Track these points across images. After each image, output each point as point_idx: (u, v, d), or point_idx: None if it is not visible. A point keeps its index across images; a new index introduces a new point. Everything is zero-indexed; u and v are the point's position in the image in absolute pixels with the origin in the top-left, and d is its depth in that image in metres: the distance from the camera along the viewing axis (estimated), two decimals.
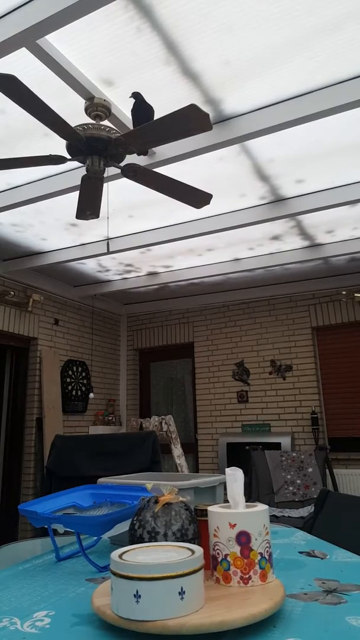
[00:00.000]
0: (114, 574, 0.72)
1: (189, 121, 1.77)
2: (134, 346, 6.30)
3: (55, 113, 1.82)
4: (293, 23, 1.89)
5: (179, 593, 0.68)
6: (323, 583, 0.88)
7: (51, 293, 5.18)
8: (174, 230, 3.76)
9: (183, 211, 3.48)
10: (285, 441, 4.88)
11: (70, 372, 5.30)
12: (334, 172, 2.99)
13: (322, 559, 1.07)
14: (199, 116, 1.74)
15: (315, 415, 4.94)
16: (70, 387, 5.25)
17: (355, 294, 4.72)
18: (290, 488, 4.25)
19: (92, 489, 1.37)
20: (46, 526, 1.17)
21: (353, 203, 3.19)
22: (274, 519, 3.72)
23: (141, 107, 2.08)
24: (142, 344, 6.25)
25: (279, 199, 3.29)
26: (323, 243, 4.16)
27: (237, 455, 5.05)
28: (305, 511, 3.87)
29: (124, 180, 2.83)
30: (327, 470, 4.32)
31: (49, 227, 3.79)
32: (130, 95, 2.16)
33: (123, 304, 6.26)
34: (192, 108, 1.73)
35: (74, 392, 5.29)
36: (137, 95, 2.10)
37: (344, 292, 4.90)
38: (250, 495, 4.28)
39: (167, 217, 3.62)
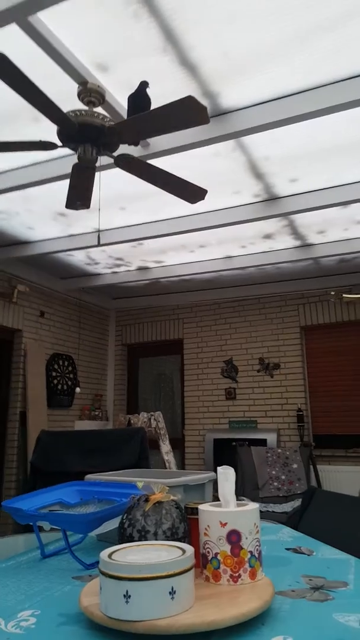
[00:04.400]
0: (103, 573, 0.69)
1: (186, 113, 1.74)
2: (123, 341, 6.25)
3: (47, 96, 1.77)
4: (293, 19, 1.87)
5: (170, 593, 0.67)
6: (310, 580, 0.88)
7: (37, 284, 5.09)
8: (166, 225, 3.72)
9: (176, 206, 3.44)
10: (271, 438, 4.90)
11: (56, 366, 5.24)
12: (328, 173, 2.98)
13: (308, 555, 1.07)
14: (197, 109, 1.71)
15: (301, 413, 4.97)
16: (55, 381, 5.19)
17: (344, 295, 4.75)
18: (275, 484, 4.27)
19: (79, 486, 1.34)
20: (31, 523, 1.13)
21: (345, 204, 3.19)
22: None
23: (141, 96, 2.03)
24: (131, 339, 6.21)
25: (272, 198, 3.27)
26: (314, 243, 4.16)
27: (224, 451, 5.06)
28: (289, 506, 3.89)
29: (117, 170, 2.77)
30: (311, 467, 4.35)
31: (37, 216, 3.72)
32: (133, 81, 2.10)
33: (112, 298, 6.21)
34: (190, 100, 1.70)
35: (59, 387, 5.23)
36: (143, 84, 2.04)
37: (332, 293, 4.92)
38: (236, 490, 4.29)
39: (160, 211, 3.58)
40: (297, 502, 3.84)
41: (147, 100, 2.05)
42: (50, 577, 0.96)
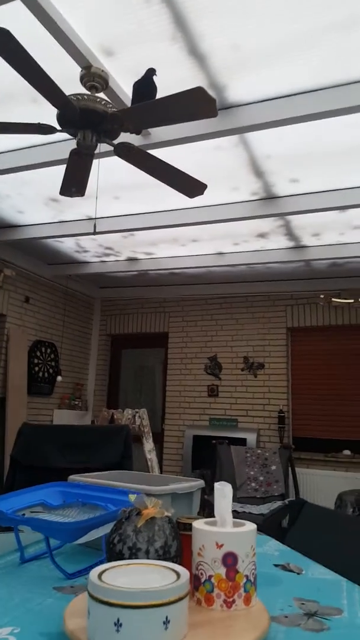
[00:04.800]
0: (93, 597, 0.64)
1: (194, 105, 1.68)
2: (107, 331, 6.17)
3: (49, 77, 1.69)
4: (308, 17, 1.81)
5: (164, 622, 0.62)
6: (302, 604, 0.85)
7: (23, 269, 4.97)
8: (160, 217, 3.65)
9: (172, 198, 3.36)
10: (251, 437, 4.91)
11: (38, 353, 5.14)
12: (329, 175, 2.95)
13: (298, 574, 1.04)
14: (205, 101, 1.65)
15: (283, 414, 4.98)
16: (37, 369, 5.09)
17: (333, 299, 4.75)
18: (253, 484, 4.28)
19: (62, 487, 1.29)
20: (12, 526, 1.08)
21: (344, 209, 3.17)
22: (234, 514, 3.72)
23: (147, 83, 1.95)
24: (115, 329, 6.13)
25: (271, 197, 3.23)
26: (308, 245, 4.15)
27: (203, 448, 5.05)
28: (266, 508, 3.90)
29: (114, 158, 2.69)
30: (289, 469, 4.37)
31: (28, 200, 3.61)
32: (139, 68, 2.02)
33: (99, 287, 6.11)
34: (199, 91, 1.63)
35: (40, 374, 5.13)
36: (151, 71, 1.96)
37: (321, 296, 4.93)
38: (212, 488, 4.28)
39: (155, 202, 3.51)
40: (274, 504, 3.85)
41: (153, 89, 1.97)
42: (30, 587, 0.91)
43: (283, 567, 1.08)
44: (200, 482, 1.28)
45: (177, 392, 5.61)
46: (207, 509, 3.03)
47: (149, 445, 3.51)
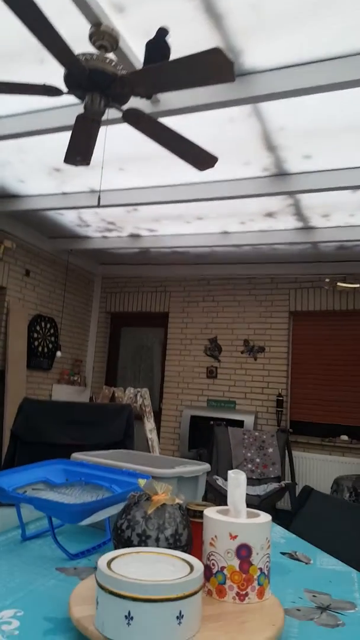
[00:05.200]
0: (102, 588, 0.59)
1: (210, 68, 1.57)
2: (107, 309, 6.10)
3: (58, 33, 1.57)
4: None
5: (177, 617, 0.57)
6: (314, 597, 0.81)
7: (24, 241, 4.87)
8: (165, 192, 3.54)
9: (179, 172, 3.26)
10: (249, 420, 4.90)
11: (38, 328, 5.08)
12: (343, 153, 2.84)
13: (306, 563, 1.01)
14: (223, 64, 1.54)
15: (281, 398, 4.96)
16: (37, 343, 5.04)
17: (339, 283, 4.67)
18: (249, 465, 4.28)
19: (65, 465, 1.24)
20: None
21: (356, 189, 3.07)
22: None
23: (160, 44, 1.83)
24: (116, 307, 6.06)
25: (282, 173, 3.12)
26: (316, 227, 4.04)
27: (200, 428, 5.05)
28: (262, 489, 3.91)
29: (120, 127, 2.58)
30: (286, 452, 4.37)
31: (30, 169, 3.49)
32: (151, 27, 1.90)
33: (99, 264, 6.01)
34: (216, 53, 1.53)
35: (40, 349, 5.08)
36: (162, 31, 1.84)
37: (327, 280, 4.84)
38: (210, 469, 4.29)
39: (161, 176, 3.39)
40: (269, 486, 3.85)
41: (167, 49, 1.86)
42: (33, 567, 0.88)
43: (290, 555, 1.05)
44: (206, 466, 1.23)
45: (176, 373, 5.58)
46: (207, 492, 3.02)
47: (149, 424, 3.49)
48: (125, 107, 2.02)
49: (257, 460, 4.30)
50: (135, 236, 4.84)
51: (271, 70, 2.17)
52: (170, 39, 1.90)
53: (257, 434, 4.47)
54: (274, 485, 3.85)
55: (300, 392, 5.06)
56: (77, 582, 0.81)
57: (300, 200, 3.53)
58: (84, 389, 5.70)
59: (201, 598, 0.62)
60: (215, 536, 0.73)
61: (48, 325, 5.23)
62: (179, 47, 2.00)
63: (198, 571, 0.62)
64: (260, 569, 0.72)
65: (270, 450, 4.33)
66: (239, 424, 4.86)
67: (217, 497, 3.78)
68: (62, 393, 5.28)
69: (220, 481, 3.95)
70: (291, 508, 3.97)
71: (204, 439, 4.83)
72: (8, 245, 4.53)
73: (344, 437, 4.64)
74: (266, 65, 2.16)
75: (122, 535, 0.75)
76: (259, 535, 0.73)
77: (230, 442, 4.44)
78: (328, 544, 1.12)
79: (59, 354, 5.22)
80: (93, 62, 1.82)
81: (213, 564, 0.73)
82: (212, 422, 4.64)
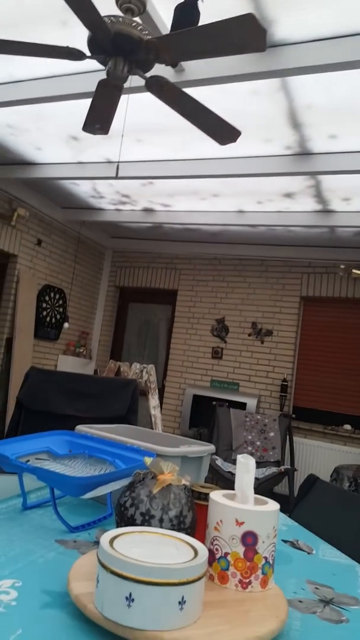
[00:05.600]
0: (104, 567, 0.58)
1: (242, 35, 1.49)
2: (116, 283, 6.07)
3: None
4: None
5: (179, 602, 0.56)
6: (317, 589, 0.80)
7: (37, 210, 4.82)
8: (182, 166, 3.45)
9: (197, 146, 3.17)
10: (252, 403, 4.90)
11: (47, 298, 5.08)
12: None
13: (308, 553, 1.00)
14: (255, 31, 1.47)
15: (286, 383, 4.95)
16: (45, 313, 5.04)
17: (354, 270, 4.58)
18: (249, 448, 4.30)
19: (70, 436, 1.23)
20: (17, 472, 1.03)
21: None
22: (230, 475, 3.77)
23: (191, 8, 1.74)
24: (124, 282, 6.03)
25: (305, 153, 3.02)
26: (335, 210, 3.95)
27: (202, 408, 5.07)
28: (260, 473, 3.93)
29: (140, 96, 2.50)
30: (287, 437, 4.38)
31: (47, 136, 3.42)
32: None
33: (111, 237, 5.95)
34: (249, 19, 1.45)
35: (48, 319, 5.09)
36: None
37: (342, 266, 4.76)
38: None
39: (179, 149, 3.30)
40: (268, 470, 3.87)
41: (196, 15, 1.77)
42: (32, 537, 0.87)
43: (292, 543, 1.04)
44: (211, 447, 1.22)
45: (181, 351, 5.57)
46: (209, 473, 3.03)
47: (154, 401, 3.50)
48: (148, 74, 1.94)
49: (258, 443, 4.32)
50: (149, 210, 4.77)
51: (303, 42, 2.07)
52: (205, 7, 1.80)
53: (259, 417, 4.48)
54: (272, 470, 3.87)
55: (305, 378, 5.03)
56: (77, 555, 0.81)
57: (322, 182, 3.43)
58: (89, 361, 5.72)
59: (204, 585, 0.61)
60: (221, 521, 0.71)
61: (57, 296, 5.22)
62: (208, 15, 1.91)
63: (203, 557, 0.61)
64: (265, 558, 0.70)
65: (272, 434, 4.34)
66: (242, 406, 4.86)
67: (216, 477, 3.81)
68: (68, 364, 5.31)
69: (219, 461, 3.98)
70: (289, 493, 4.00)
71: (205, 418, 4.85)
72: (22, 213, 4.48)
73: (347, 427, 4.64)
74: (298, 37, 2.06)
75: (125, 513, 0.74)
76: (266, 524, 0.71)
77: (231, 423, 4.45)
78: (331, 535, 1.10)
79: (66, 325, 5.22)
80: (119, 25, 1.74)
81: (217, 549, 0.71)
82: (214, 403, 4.65)
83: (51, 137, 3.43)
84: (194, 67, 2.26)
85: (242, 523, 0.70)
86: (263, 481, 3.70)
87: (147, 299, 6.04)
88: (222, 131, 2.12)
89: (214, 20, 1.55)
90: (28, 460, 1.12)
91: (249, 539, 0.70)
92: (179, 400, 5.43)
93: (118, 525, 0.76)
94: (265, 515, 0.71)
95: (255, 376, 5.18)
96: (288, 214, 4.16)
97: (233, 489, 0.78)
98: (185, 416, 5.22)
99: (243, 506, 0.72)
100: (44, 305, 5.03)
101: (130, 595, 0.55)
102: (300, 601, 0.74)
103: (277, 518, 0.74)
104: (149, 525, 0.72)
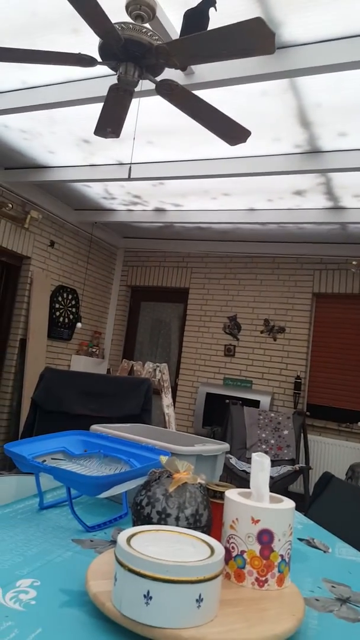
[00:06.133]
0: (122, 565, 0.61)
1: (251, 38, 1.51)
2: (127, 282, 6.11)
3: (97, 1, 1.52)
4: None
5: (197, 600, 0.58)
6: (333, 587, 0.81)
7: (50, 213, 4.88)
8: (193, 166, 3.47)
9: (207, 146, 3.18)
10: (265, 400, 4.90)
11: (60, 298, 5.14)
12: None
13: (324, 552, 1.01)
14: (264, 34, 1.48)
15: (299, 381, 4.94)
16: (58, 313, 5.11)
17: None
18: (263, 446, 4.31)
19: (85, 436, 1.26)
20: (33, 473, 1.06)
21: None
22: (244, 473, 3.78)
23: (201, 13, 1.76)
24: (136, 281, 6.07)
25: (314, 151, 3.02)
26: (346, 207, 3.93)
27: (215, 406, 5.08)
28: (275, 471, 3.94)
29: (151, 99, 2.52)
30: (302, 435, 4.37)
31: (60, 140, 3.46)
32: None
33: (122, 237, 5.99)
34: (258, 22, 1.46)
35: (61, 319, 5.15)
36: (210, 2, 1.75)
37: (354, 262, 4.73)
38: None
39: (189, 150, 3.32)
40: (283, 468, 3.88)
41: (206, 20, 1.79)
42: (49, 537, 0.90)
43: (308, 542, 1.05)
44: (226, 446, 1.24)
45: (194, 349, 5.59)
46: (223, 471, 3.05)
47: (167, 400, 3.53)
48: (159, 78, 1.96)
49: (272, 441, 4.33)
50: (160, 210, 4.79)
51: (311, 43, 2.07)
52: (214, 11, 1.81)
53: (272, 415, 4.48)
54: (287, 468, 3.87)
55: (319, 375, 5.02)
56: (93, 554, 0.82)
57: (332, 179, 3.42)
58: (102, 361, 5.77)
59: (221, 583, 0.63)
60: (237, 519, 0.73)
61: (70, 297, 5.28)
62: (217, 18, 1.93)
63: (219, 554, 0.63)
64: (282, 556, 0.72)
65: (286, 432, 4.34)
66: (255, 404, 4.87)
67: (230, 475, 3.83)
68: (81, 364, 5.37)
69: (233, 460, 3.99)
70: (304, 492, 4.00)
71: (219, 416, 4.86)
72: (35, 216, 4.54)
73: None
74: (306, 38, 2.06)
75: (141, 512, 0.76)
76: (282, 522, 0.72)
77: (245, 421, 4.46)
78: (347, 533, 1.11)
79: (79, 325, 5.28)
80: (129, 31, 1.76)
81: (233, 547, 0.73)
82: (227, 401, 4.66)
83: (64, 141, 3.47)
84: (203, 70, 2.27)
85: (258, 521, 0.71)
86: (278, 480, 3.71)
87: (159, 297, 6.07)
88: (232, 132, 2.13)
89: (222, 24, 1.56)
90: (44, 460, 1.15)
91: (265, 537, 0.71)
92: (192, 399, 5.46)
93: (134, 524, 0.78)
94: (281, 513, 0.73)
95: (268, 374, 5.18)
96: (299, 211, 4.16)
97: (247, 487, 0.80)
98: (199, 415, 5.24)
99: (259, 504, 0.74)
100: (57, 305, 5.10)
101: (148, 593, 0.57)
102: (317, 600, 0.74)
103: (292, 516, 0.75)
104: (165, 523, 0.74)
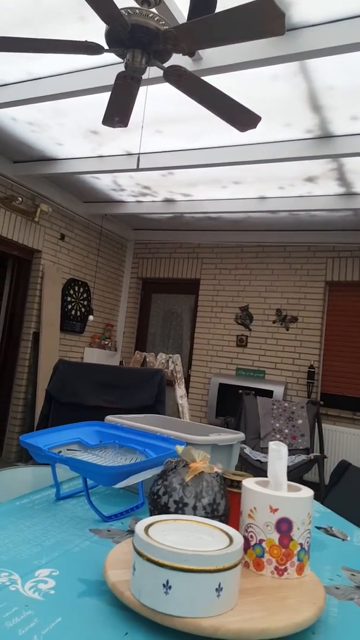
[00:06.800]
0: (140, 554, 0.60)
1: (260, 20, 1.47)
2: (138, 274, 6.10)
3: None
4: None
5: (216, 589, 0.58)
6: (353, 575, 0.80)
7: (60, 205, 4.88)
8: (202, 155, 3.43)
9: (216, 134, 3.14)
10: (278, 390, 4.88)
11: (71, 291, 5.15)
12: None
13: (343, 540, 1.00)
14: (273, 15, 1.44)
15: (313, 370, 4.91)
16: (70, 306, 5.13)
17: None
18: (277, 436, 4.30)
19: (100, 427, 1.27)
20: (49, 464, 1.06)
21: None
22: (258, 463, 3.78)
23: None
24: (147, 273, 6.06)
25: (326, 135, 2.96)
26: (359, 193, 3.86)
27: (228, 396, 5.08)
28: (289, 460, 3.93)
29: (159, 87, 2.50)
30: (316, 424, 4.35)
31: (68, 131, 3.45)
32: None
33: (132, 229, 5.97)
34: (267, 3, 1.42)
35: (73, 312, 5.17)
36: None
37: None
38: None
39: (198, 138, 3.28)
40: (297, 458, 3.87)
41: (213, 2, 1.75)
42: (67, 527, 0.90)
43: (326, 530, 1.04)
44: (241, 435, 1.23)
45: (206, 340, 5.58)
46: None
47: (180, 390, 3.53)
48: (166, 64, 1.93)
49: (286, 431, 4.31)
50: (169, 201, 4.76)
51: (322, 24, 2.02)
52: None
53: (286, 404, 4.46)
54: (302, 457, 3.86)
55: (333, 364, 4.97)
56: (111, 544, 0.83)
57: (344, 164, 3.35)
58: (114, 353, 5.79)
59: (240, 572, 0.63)
60: (255, 508, 0.72)
61: (81, 290, 5.30)
62: (224, 0, 1.88)
63: (238, 543, 0.62)
64: (301, 544, 0.71)
65: (300, 421, 4.32)
66: (268, 393, 4.85)
67: (244, 465, 3.83)
68: (93, 356, 5.39)
69: (247, 450, 3.99)
70: (319, 480, 3.99)
71: (232, 407, 4.86)
72: (44, 209, 4.55)
73: None
74: (316, 19, 2.01)
75: (158, 501, 0.76)
76: (300, 510, 0.72)
77: (258, 411, 4.45)
78: None
79: (91, 317, 5.29)
80: (135, 17, 1.73)
81: (251, 536, 0.73)
82: (240, 391, 4.65)
83: (71, 132, 3.45)
84: (212, 55, 2.23)
85: (277, 510, 0.71)
86: (293, 469, 3.70)
87: (170, 289, 6.06)
88: (241, 117, 2.10)
89: (230, 6, 1.53)
90: (60, 451, 1.15)
91: (284, 526, 0.71)
92: (205, 390, 5.46)
93: (152, 513, 0.78)
94: (300, 501, 0.72)
95: (281, 363, 5.15)
96: (310, 198, 4.09)
97: (262, 476, 0.79)
98: (212, 405, 5.24)
99: (277, 493, 0.73)
100: (69, 299, 5.11)
101: (167, 582, 0.57)
102: (337, 588, 0.74)
103: (311, 504, 0.74)
104: (183, 513, 0.74)
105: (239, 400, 4.58)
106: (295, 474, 3.75)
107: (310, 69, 2.32)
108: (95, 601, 0.63)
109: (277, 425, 4.36)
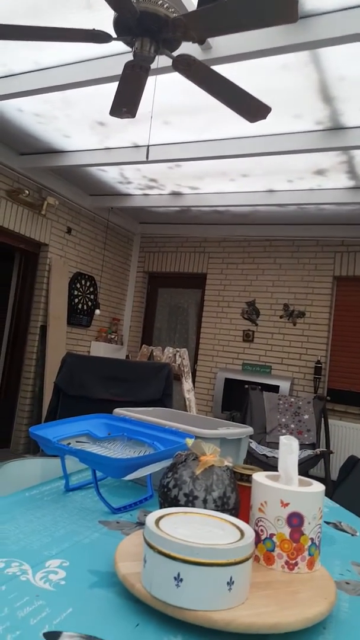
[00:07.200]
0: (151, 547, 0.59)
1: (272, 6, 1.44)
2: (145, 269, 6.09)
3: None
4: None
5: (228, 583, 0.57)
6: None
7: (66, 199, 4.86)
8: (210, 147, 3.40)
9: (225, 125, 3.11)
10: (285, 385, 4.86)
11: (78, 285, 5.15)
12: None
13: (352, 535, 0.99)
14: (286, 1, 1.41)
15: (320, 365, 4.88)
16: (77, 300, 5.13)
17: None
18: (284, 431, 4.29)
19: (108, 419, 1.26)
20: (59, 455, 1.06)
21: None
22: (264, 457, 3.77)
23: None
24: (153, 267, 6.04)
25: (337, 127, 2.92)
26: None
27: (234, 391, 5.07)
28: None
29: (167, 77, 2.46)
30: (322, 420, 4.33)
31: (75, 123, 3.42)
32: None
33: (139, 223, 5.95)
34: None
35: (80, 306, 5.17)
36: None
37: None
38: None
39: (206, 130, 3.25)
40: (303, 453, 3.85)
41: None
42: (76, 518, 0.90)
43: (335, 525, 1.03)
44: (250, 429, 1.22)
45: (212, 335, 5.56)
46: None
47: (187, 385, 3.52)
48: (176, 53, 1.90)
49: (292, 426, 4.30)
50: (176, 194, 4.73)
51: (335, 11, 1.98)
52: None
53: (292, 399, 4.44)
54: (308, 452, 3.85)
55: (340, 360, 4.94)
56: (120, 536, 0.82)
57: (355, 157, 3.31)
58: (121, 347, 5.80)
59: (251, 566, 0.62)
60: (265, 502, 0.71)
61: (88, 284, 5.29)
62: None
63: (249, 537, 0.61)
64: (312, 539, 0.70)
65: (306, 416, 4.30)
66: (274, 389, 4.83)
67: (250, 459, 3.82)
68: (100, 350, 5.40)
69: (253, 444, 3.98)
70: (325, 476, 3.98)
71: (237, 402, 4.85)
72: (51, 202, 4.53)
73: None
74: (328, 6, 1.97)
75: (168, 494, 0.75)
76: (311, 505, 0.71)
77: (264, 406, 4.44)
78: None
79: (97, 311, 5.29)
80: (144, 3, 1.70)
81: (262, 530, 0.72)
82: (246, 386, 4.64)
83: (78, 124, 3.43)
84: (222, 44, 2.20)
85: (288, 504, 0.70)
86: (299, 464, 3.68)
87: (177, 283, 6.04)
88: (251, 108, 2.07)
89: None
90: (69, 443, 1.15)
91: (295, 520, 0.70)
92: (211, 385, 5.45)
93: (162, 506, 0.77)
94: (311, 496, 0.71)
95: (287, 359, 5.13)
96: (319, 191, 4.05)
97: (267, 471, 0.78)
98: (218, 400, 5.23)
99: (288, 487, 0.72)
100: (76, 292, 5.11)
101: (178, 575, 0.56)
102: (348, 583, 0.73)
103: (322, 499, 0.73)
104: (193, 506, 0.73)
105: (244, 395, 4.57)
106: (301, 469, 3.72)
107: (322, 59, 2.28)
108: (106, 592, 0.63)
109: (283, 420, 4.34)
